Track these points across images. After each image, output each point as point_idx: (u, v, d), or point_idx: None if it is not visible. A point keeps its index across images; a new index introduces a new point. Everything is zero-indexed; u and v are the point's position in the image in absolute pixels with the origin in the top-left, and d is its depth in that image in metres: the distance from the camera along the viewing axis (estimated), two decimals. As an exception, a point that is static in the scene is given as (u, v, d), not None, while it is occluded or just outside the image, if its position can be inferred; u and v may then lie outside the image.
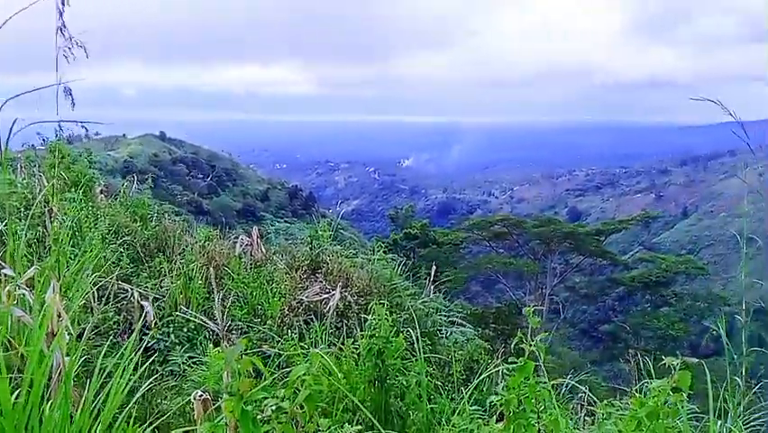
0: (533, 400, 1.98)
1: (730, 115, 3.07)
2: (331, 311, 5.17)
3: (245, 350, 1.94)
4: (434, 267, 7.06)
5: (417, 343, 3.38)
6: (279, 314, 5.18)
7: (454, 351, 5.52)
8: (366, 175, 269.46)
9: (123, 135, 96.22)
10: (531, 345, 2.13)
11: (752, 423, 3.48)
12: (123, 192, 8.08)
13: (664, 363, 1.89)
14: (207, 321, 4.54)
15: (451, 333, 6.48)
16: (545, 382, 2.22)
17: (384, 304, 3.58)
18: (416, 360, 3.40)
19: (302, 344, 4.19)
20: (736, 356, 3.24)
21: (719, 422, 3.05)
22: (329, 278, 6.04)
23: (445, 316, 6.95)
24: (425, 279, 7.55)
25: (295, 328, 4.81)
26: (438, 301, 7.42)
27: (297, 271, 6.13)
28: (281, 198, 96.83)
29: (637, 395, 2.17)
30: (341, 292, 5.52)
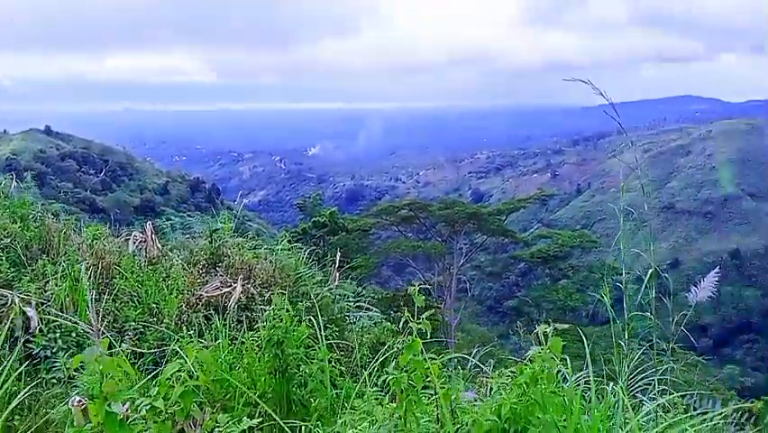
0: (422, 377, 2.02)
1: (602, 95, 3.25)
2: (232, 305, 5.04)
3: (128, 350, 1.84)
4: (339, 254, 7.05)
5: (320, 330, 3.36)
6: (177, 311, 4.98)
7: (361, 335, 5.54)
8: (272, 164, 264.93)
9: (5, 131, 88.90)
10: (418, 324, 2.16)
11: (638, 384, 3.72)
12: (1, 192, 7.43)
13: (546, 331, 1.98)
14: (82, 324, 4.28)
15: (359, 318, 6.51)
16: (435, 358, 2.27)
17: (284, 294, 3.52)
18: (320, 347, 3.38)
19: (201, 340, 4.05)
20: (618, 322, 3.46)
21: (611, 384, 3.25)
22: (230, 271, 5.86)
23: (353, 301, 6.97)
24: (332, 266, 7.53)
25: (194, 325, 4.64)
26: (346, 288, 7.42)
27: (195, 267, 5.91)
28: (182, 191, 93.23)
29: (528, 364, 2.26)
30: (243, 285, 5.39)
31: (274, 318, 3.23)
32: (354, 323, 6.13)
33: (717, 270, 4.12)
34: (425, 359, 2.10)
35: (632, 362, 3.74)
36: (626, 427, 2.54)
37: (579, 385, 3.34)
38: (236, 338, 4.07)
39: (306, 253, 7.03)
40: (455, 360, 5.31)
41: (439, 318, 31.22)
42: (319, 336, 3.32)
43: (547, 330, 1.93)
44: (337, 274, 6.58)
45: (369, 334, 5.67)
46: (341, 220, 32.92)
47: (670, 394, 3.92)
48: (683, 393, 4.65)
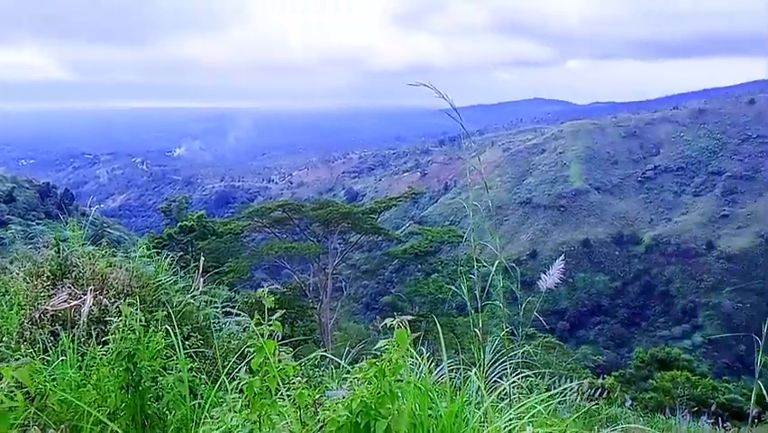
0: (277, 379, 1.98)
1: (443, 98, 3.39)
2: (83, 318, 4.64)
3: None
4: (203, 258, 6.76)
5: (177, 339, 3.20)
6: (19, 328, 4.51)
7: (228, 342, 5.36)
8: (133, 167, 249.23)
9: None
10: (269, 326, 2.12)
11: (500, 368, 3.92)
12: None
13: (386, 323, 2.02)
14: None
15: (227, 324, 6.29)
16: (300, 360, 2.25)
17: (134, 303, 3.31)
18: (178, 358, 3.21)
19: (46, 357, 3.70)
20: (472, 312, 3.62)
21: (473, 370, 3.41)
22: (81, 282, 5.40)
23: (221, 307, 6.72)
24: (201, 272, 7.20)
25: (38, 342, 4.22)
26: (215, 293, 7.15)
27: (39, 279, 5.38)
28: (30, 198, 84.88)
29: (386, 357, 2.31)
30: (95, 296, 4.99)
31: (125, 330, 3.03)
32: (221, 330, 5.91)
33: (562, 258, 4.45)
34: (280, 361, 2.06)
35: (494, 347, 3.93)
36: (480, 408, 2.67)
37: (444, 373, 3.48)
38: (86, 353, 3.77)
39: (171, 259, 6.67)
40: (329, 359, 5.30)
41: (315, 319, 31.14)
42: (176, 346, 3.16)
43: (394, 322, 1.97)
44: (201, 280, 6.30)
45: (237, 340, 5.50)
46: (210, 224, 31.75)
47: (532, 376, 4.19)
48: (537, 372, 5.00)
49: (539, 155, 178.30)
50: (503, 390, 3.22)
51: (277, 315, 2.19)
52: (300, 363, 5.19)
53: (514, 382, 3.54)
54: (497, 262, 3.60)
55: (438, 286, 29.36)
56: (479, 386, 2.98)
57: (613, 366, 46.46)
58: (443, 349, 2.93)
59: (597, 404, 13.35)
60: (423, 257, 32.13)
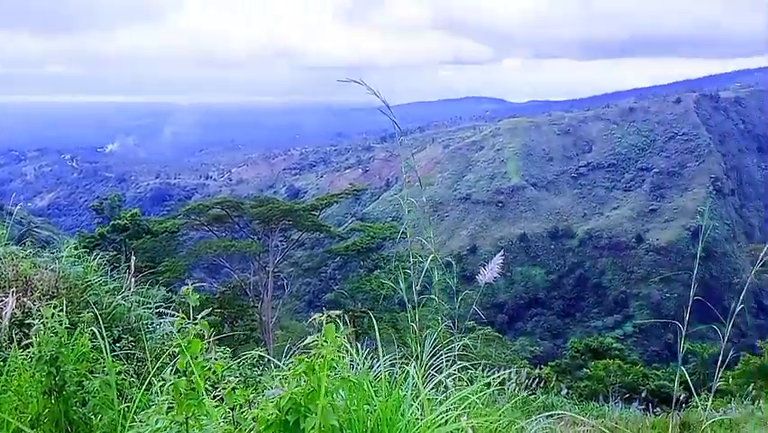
0: (204, 379, 1.93)
1: (375, 95, 3.39)
2: (5, 321, 4.40)
3: None
4: (135, 258, 6.54)
5: (104, 342, 3.07)
6: (-69, 336, 4.22)
7: (162, 343, 5.20)
8: (62, 163, 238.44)
9: None
10: (195, 325, 2.07)
11: (442, 361, 3.95)
12: None
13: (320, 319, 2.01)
14: None
15: (161, 325, 6.10)
16: (215, 359, 2.20)
17: (60, 305, 3.16)
18: (105, 360, 3.08)
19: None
20: (410, 307, 3.64)
21: (412, 363, 3.43)
22: (2, 283, 5.12)
23: (153, 308, 6.50)
24: (134, 272, 6.96)
25: (-48, 349, 3.97)
26: (150, 294, 6.92)
27: (-46, 281, 5.06)
28: (-51, 196, 79.90)
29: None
30: (18, 299, 4.73)
31: (47, 333, 2.88)
32: (154, 331, 5.73)
33: (501, 253, 4.53)
34: (206, 360, 2.01)
35: (432, 341, 3.97)
36: (416, 401, 2.69)
37: (383, 368, 3.48)
38: (7, 358, 3.56)
39: (102, 259, 6.42)
40: (268, 359, 5.21)
41: (256, 318, 30.68)
42: (103, 348, 3.03)
43: (322, 317, 1.96)
44: (133, 280, 6.09)
45: (170, 341, 5.34)
46: (144, 222, 30.75)
47: (471, 368, 4.25)
48: (476, 364, 5.08)
49: (478, 152, 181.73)
50: (439, 382, 3.26)
51: (203, 313, 2.13)
52: (238, 363, 5.10)
53: (452, 374, 3.59)
54: (431, 257, 3.63)
55: (380, 282, 29.49)
56: (416, 379, 3.00)
57: (550, 357, 47.98)
58: (379, 344, 2.94)
59: (533, 394, 13.76)
60: (365, 253, 32.18)
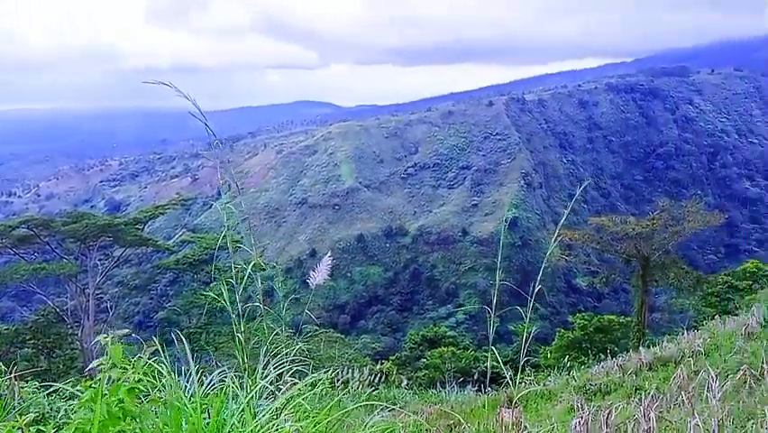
0: None
1: (186, 98, 3.21)
2: None
3: None
4: None
5: None
6: None
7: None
8: None
9: None
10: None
11: (273, 372, 3.83)
12: None
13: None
14: None
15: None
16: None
17: None
18: None
19: None
20: (234, 317, 3.50)
21: (245, 376, 3.28)
22: None
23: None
24: None
25: None
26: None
27: None
28: None
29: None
30: None
31: None
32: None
33: (329, 255, 4.51)
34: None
35: (270, 350, 3.85)
36: (239, 408, 2.59)
37: (215, 383, 3.30)
38: None
39: None
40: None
41: (77, 346, 27.86)
42: None
43: (107, 339, 1.77)
44: None
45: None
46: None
47: (308, 373, 4.18)
48: (314, 366, 5.03)
49: (311, 156, 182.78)
50: (275, 390, 3.16)
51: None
52: (48, 396, 4.53)
53: (288, 381, 3.51)
54: (252, 263, 3.53)
55: (217, 295, 28.33)
56: (236, 390, 2.88)
57: (392, 351, 49.69)
58: (189, 360, 2.77)
59: (376, 389, 14.10)
60: (198, 266, 30.70)
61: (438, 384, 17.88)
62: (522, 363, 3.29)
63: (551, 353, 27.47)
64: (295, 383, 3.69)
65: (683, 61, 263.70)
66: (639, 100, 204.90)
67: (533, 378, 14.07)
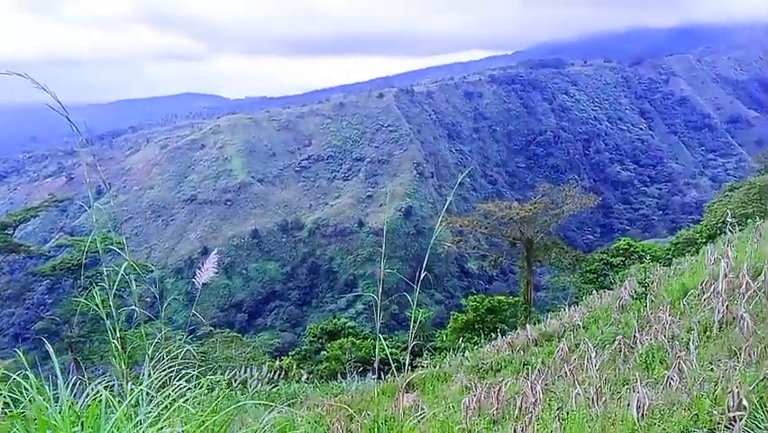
0: None
1: (43, 92, 2.96)
2: None
3: None
4: None
5: None
6: None
7: None
8: None
9: None
10: None
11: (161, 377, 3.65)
12: None
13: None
14: None
15: None
16: None
17: None
18: None
19: None
20: (108, 324, 3.31)
21: (129, 384, 3.11)
22: None
23: None
24: None
25: None
26: None
27: None
28: None
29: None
30: None
31: None
32: None
33: (215, 252, 4.36)
34: None
35: (159, 354, 3.68)
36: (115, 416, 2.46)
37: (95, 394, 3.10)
38: None
39: None
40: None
41: (-61, 367, 25.17)
42: None
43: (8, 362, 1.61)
44: None
45: None
46: None
47: (202, 375, 4.03)
48: (210, 368, 4.86)
49: (199, 151, 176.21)
50: (147, 395, 3.02)
51: None
52: None
53: (175, 385, 3.36)
54: (124, 265, 3.34)
55: (100, 300, 26.62)
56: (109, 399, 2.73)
57: (292, 346, 49.15)
58: (57, 372, 2.58)
59: (276, 385, 13.89)
60: (78, 271, 28.70)
61: (339, 375, 17.94)
62: (411, 346, 3.35)
63: (447, 336, 28.42)
64: (186, 387, 3.54)
65: (559, 54, 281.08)
66: (520, 91, 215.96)
67: (430, 361, 14.49)
